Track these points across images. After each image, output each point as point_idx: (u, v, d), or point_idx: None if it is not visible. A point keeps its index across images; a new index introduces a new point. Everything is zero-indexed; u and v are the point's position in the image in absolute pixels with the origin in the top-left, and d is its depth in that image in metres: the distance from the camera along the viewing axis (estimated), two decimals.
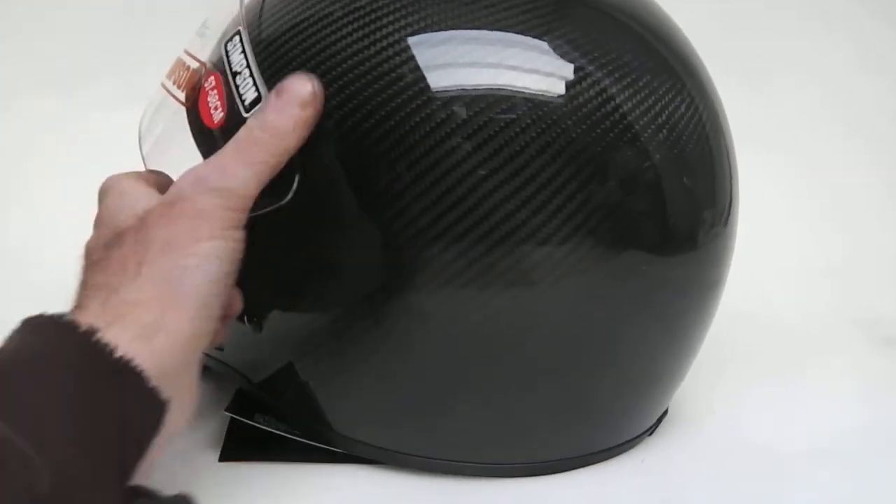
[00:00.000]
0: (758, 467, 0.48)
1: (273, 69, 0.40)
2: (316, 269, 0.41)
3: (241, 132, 0.38)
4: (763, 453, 0.50)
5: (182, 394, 0.36)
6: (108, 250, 0.36)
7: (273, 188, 0.39)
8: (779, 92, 0.90)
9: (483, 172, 0.38)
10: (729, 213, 0.44)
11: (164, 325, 0.35)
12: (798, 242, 0.81)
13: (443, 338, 0.40)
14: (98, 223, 0.39)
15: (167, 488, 0.41)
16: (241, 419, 0.47)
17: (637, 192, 0.39)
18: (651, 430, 0.49)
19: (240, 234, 0.37)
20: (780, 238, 0.80)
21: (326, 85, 0.39)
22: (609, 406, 0.45)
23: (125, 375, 0.33)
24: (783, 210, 0.84)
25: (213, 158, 0.38)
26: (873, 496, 0.47)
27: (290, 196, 0.39)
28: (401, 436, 0.44)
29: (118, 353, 0.33)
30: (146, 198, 0.38)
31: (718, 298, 0.46)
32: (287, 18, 0.41)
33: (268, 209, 0.39)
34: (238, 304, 0.42)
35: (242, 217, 0.37)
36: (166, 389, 0.35)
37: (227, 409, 0.48)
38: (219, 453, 0.47)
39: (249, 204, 0.38)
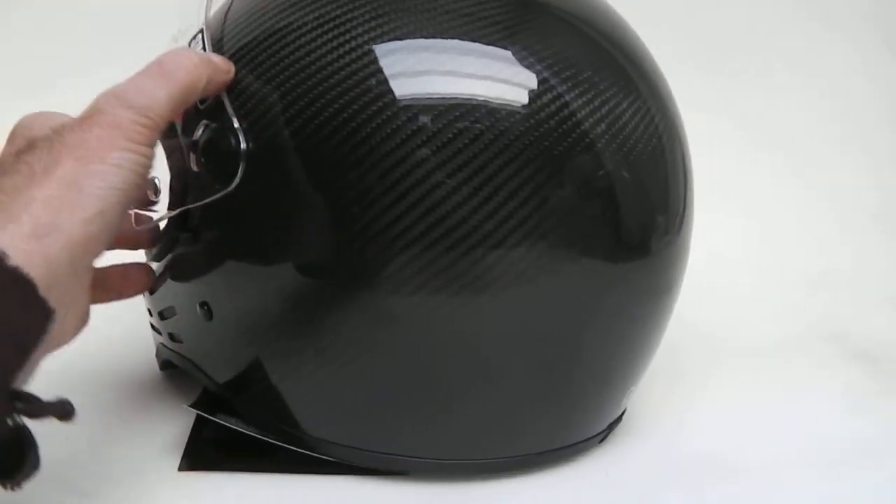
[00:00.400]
0: (720, 476, 0.49)
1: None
2: (266, 261, 0.42)
3: (156, 59, 0.41)
4: (724, 463, 0.50)
5: (71, 303, 0.37)
6: (18, 157, 0.37)
7: (220, 175, 0.41)
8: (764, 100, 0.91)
9: (443, 178, 0.39)
10: (682, 221, 0.46)
11: (59, 225, 0.36)
12: (771, 254, 0.82)
13: (400, 339, 0.42)
14: (11, 138, 0.40)
15: (122, 498, 0.41)
16: (206, 415, 0.47)
17: (590, 197, 0.41)
18: (603, 436, 0.50)
19: (150, 153, 0.40)
20: (753, 249, 0.82)
21: (291, 87, 0.40)
22: (558, 407, 0.46)
23: (15, 283, 0.34)
24: (756, 221, 0.85)
25: (130, 79, 0.40)
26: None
27: (235, 183, 0.41)
28: (368, 433, 0.45)
29: (10, 262, 0.34)
30: (64, 117, 0.40)
31: (672, 303, 0.48)
32: (249, 24, 0.43)
33: (215, 196, 0.41)
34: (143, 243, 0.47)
35: (154, 136, 0.40)
36: (55, 296, 0.35)
37: (192, 405, 0.48)
38: (179, 462, 0.47)
39: (162, 125, 0.40)
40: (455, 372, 0.43)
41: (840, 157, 0.92)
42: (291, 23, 0.41)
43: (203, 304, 0.45)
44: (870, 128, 0.93)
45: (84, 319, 0.40)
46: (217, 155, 0.42)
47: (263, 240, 0.42)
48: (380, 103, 0.39)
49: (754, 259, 0.81)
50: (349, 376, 0.43)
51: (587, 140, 0.40)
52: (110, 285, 0.46)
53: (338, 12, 0.41)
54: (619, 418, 0.52)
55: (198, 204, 0.43)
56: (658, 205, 0.44)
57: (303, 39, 0.41)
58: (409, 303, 0.40)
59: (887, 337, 0.69)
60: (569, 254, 0.41)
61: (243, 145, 0.41)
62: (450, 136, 0.39)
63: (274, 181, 0.41)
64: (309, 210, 0.40)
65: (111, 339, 0.58)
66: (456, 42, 0.41)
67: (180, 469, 0.46)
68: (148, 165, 0.39)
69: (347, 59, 0.40)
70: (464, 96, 0.39)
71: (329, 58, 0.40)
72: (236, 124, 0.41)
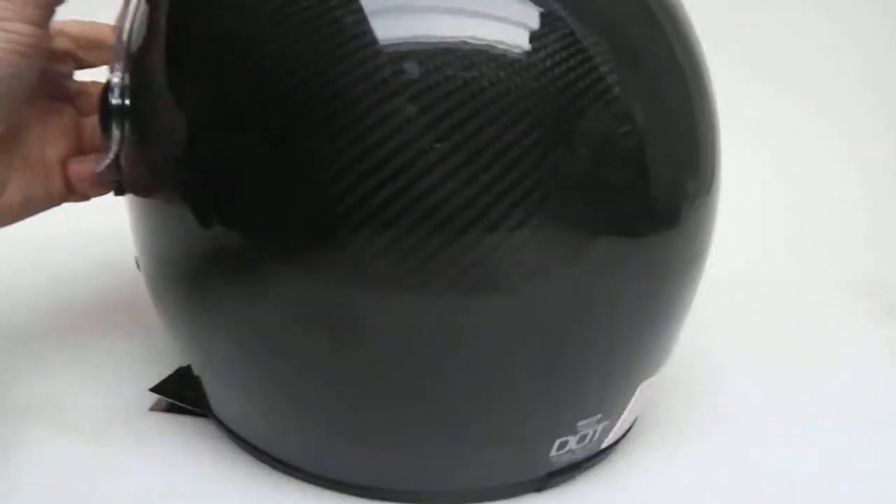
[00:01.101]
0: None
1: None
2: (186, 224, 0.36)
3: None
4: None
5: None
6: None
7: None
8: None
9: (432, 141, 0.31)
10: (713, 179, 0.39)
11: None
12: (793, 210, 0.77)
13: (369, 345, 0.35)
14: None
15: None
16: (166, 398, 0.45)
17: (615, 161, 0.34)
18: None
19: (22, 30, 0.37)
20: (773, 207, 0.77)
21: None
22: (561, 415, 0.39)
23: None
24: (777, 177, 0.80)
25: None
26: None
27: (113, 150, 0.39)
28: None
29: None
30: None
31: (702, 271, 0.41)
32: None
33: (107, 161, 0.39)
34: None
35: (26, 11, 0.37)
36: None
37: (152, 389, 0.46)
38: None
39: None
40: (435, 389, 0.35)
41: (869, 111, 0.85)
42: None
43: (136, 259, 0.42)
44: None
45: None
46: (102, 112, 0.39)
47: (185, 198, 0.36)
48: (367, 48, 0.32)
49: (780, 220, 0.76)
50: (279, 383, 0.37)
51: (607, 91, 0.33)
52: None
53: None
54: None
55: (105, 162, 0.40)
56: (688, 164, 0.37)
57: None
58: (380, 300, 0.33)
59: None
60: (585, 232, 0.33)
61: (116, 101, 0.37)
62: (449, 90, 0.31)
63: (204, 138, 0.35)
64: (252, 175, 0.34)
65: None
66: None
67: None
68: (25, 44, 0.37)
69: None
70: (468, 42, 0.32)
71: None
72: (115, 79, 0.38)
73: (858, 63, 0.85)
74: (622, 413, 0.41)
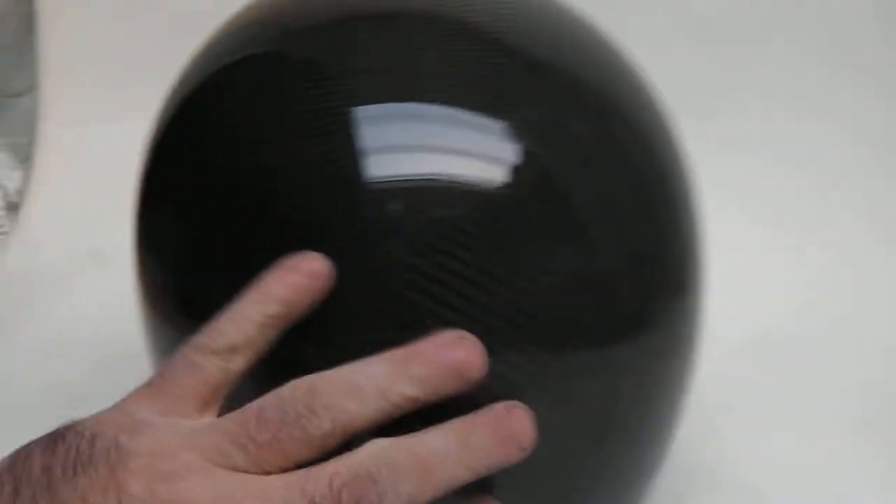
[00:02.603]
0: None
1: None
2: None
3: None
4: None
5: None
6: None
7: None
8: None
9: (406, 270, 0.35)
10: (693, 282, 0.42)
11: None
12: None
13: None
14: None
15: None
16: None
17: (583, 291, 0.37)
18: None
19: None
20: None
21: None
22: None
23: None
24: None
25: None
26: None
27: None
28: None
29: None
30: None
31: (686, 375, 0.44)
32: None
33: None
34: None
35: None
36: None
37: None
38: None
39: None
40: None
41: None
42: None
43: None
44: None
45: None
46: None
47: None
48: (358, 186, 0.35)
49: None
50: None
51: (580, 222, 0.37)
52: None
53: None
54: None
55: None
56: (661, 277, 0.40)
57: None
58: None
59: None
60: (556, 351, 0.36)
61: None
62: (429, 227, 0.35)
63: None
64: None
65: None
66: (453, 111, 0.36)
67: None
68: None
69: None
70: (447, 179, 0.35)
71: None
72: None
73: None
74: None
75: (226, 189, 0.38)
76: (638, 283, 0.39)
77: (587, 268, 0.37)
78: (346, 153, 0.36)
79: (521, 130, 0.37)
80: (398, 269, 0.35)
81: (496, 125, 0.37)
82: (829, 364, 0.66)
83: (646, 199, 0.40)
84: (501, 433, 0.33)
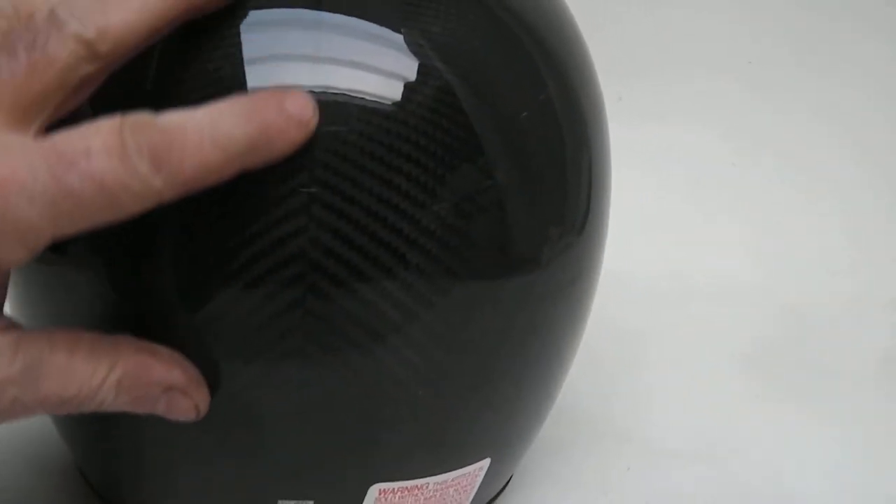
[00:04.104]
0: None
1: None
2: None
3: None
4: None
5: None
6: None
7: None
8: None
9: (305, 190, 0.32)
10: (585, 222, 0.41)
11: None
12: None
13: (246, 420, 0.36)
14: None
15: None
16: None
17: (475, 214, 0.35)
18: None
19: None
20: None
21: None
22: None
23: None
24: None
25: None
26: None
27: None
28: None
29: None
30: None
31: (582, 311, 0.43)
32: None
33: None
34: None
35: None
36: None
37: None
38: None
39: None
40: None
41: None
42: None
43: None
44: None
45: None
46: None
47: None
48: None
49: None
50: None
51: (474, 145, 0.35)
52: None
53: None
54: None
55: None
56: (553, 212, 0.39)
57: None
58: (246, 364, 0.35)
59: None
60: (443, 281, 0.35)
61: None
62: (318, 142, 0.32)
63: None
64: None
65: None
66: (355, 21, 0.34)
67: None
68: None
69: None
70: (341, 93, 0.33)
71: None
72: None
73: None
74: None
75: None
76: (533, 216, 0.38)
77: (481, 195, 0.35)
78: (231, 60, 0.33)
79: (420, 44, 0.35)
80: (282, 187, 0.33)
81: (395, 37, 0.35)
82: (721, 317, 0.68)
83: (551, 130, 0.39)
84: (270, 106, 0.30)
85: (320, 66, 0.34)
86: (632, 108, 0.72)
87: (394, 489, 0.39)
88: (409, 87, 0.34)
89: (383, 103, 0.34)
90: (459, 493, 0.41)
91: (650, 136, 0.78)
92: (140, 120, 0.29)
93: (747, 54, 0.85)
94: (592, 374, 0.57)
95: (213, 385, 0.35)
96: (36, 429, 0.47)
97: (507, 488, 0.47)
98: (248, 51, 0.33)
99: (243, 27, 0.34)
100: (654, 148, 0.79)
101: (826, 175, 0.82)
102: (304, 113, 0.31)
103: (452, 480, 0.41)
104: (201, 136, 0.28)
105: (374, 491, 0.39)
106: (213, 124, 0.29)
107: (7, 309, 0.33)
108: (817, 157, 0.83)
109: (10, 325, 0.31)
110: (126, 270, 0.35)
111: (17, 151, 0.28)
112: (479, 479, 0.42)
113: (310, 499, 0.38)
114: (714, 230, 0.78)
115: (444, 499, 0.41)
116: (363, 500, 0.39)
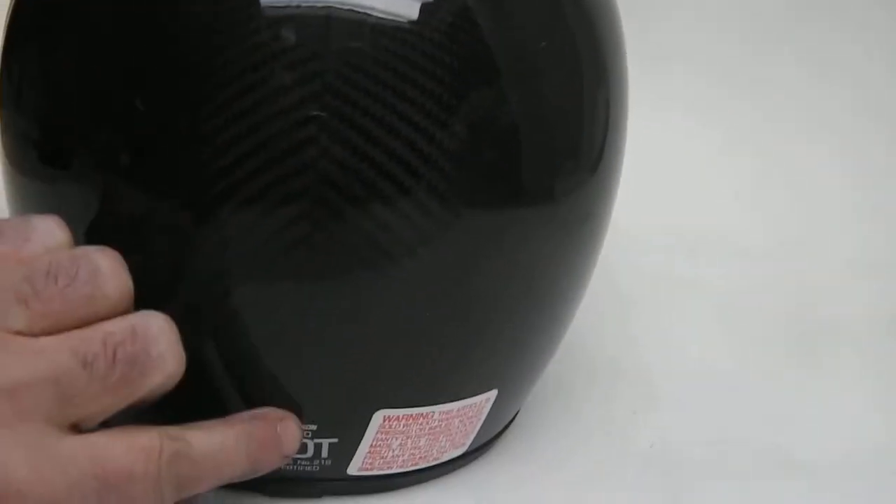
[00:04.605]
0: None
1: None
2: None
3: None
4: None
5: None
6: None
7: None
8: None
9: (313, 112, 0.32)
10: (599, 160, 0.40)
11: None
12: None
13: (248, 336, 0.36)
14: None
15: None
16: None
17: (488, 138, 0.35)
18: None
19: None
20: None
21: None
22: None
23: None
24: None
25: None
26: None
27: None
28: None
29: None
30: None
31: (593, 250, 0.43)
32: None
33: None
34: None
35: None
36: None
37: None
38: None
39: None
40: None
41: None
42: None
43: None
44: None
45: None
46: None
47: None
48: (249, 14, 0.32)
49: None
50: None
51: (491, 68, 0.34)
52: None
53: None
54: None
55: None
56: (568, 145, 0.38)
57: None
58: (247, 284, 0.35)
59: None
60: (453, 203, 0.35)
61: None
62: (317, 56, 0.32)
63: None
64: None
65: None
66: None
67: None
68: None
69: None
70: (343, 5, 0.32)
71: None
72: None
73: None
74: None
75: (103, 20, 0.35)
76: (547, 147, 0.37)
77: (495, 119, 0.35)
78: None
79: None
80: (293, 103, 0.32)
81: None
82: (735, 268, 0.68)
83: (570, 64, 0.38)
84: (272, 450, 0.35)
85: None
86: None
87: (399, 416, 0.39)
88: (427, 5, 0.34)
89: (400, 20, 0.33)
90: (465, 425, 0.42)
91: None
92: (178, 450, 0.31)
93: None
94: (610, 318, 0.58)
95: (217, 304, 0.35)
96: None
97: (512, 424, 0.47)
98: None
99: None
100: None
101: (840, 133, 0.81)
102: (294, 451, 0.36)
103: (458, 411, 0.41)
104: (219, 470, 0.33)
105: (378, 417, 0.39)
106: (228, 461, 0.33)
107: None
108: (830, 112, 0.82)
109: None
110: (134, 179, 0.34)
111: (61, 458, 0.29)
112: (486, 412, 0.42)
113: (313, 424, 0.39)
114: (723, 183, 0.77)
115: (450, 429, 0.41)
116: (367, 425, 0.39)
